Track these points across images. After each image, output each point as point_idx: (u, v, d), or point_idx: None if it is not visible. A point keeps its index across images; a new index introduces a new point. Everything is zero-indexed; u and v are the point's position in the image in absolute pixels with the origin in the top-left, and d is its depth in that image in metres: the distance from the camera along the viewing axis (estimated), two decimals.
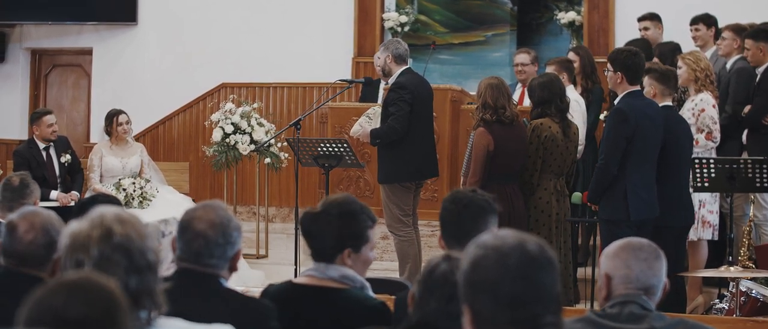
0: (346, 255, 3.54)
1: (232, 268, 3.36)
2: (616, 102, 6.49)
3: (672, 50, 8.56)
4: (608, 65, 6.49)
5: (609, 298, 3.15)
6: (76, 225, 2.52)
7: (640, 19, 9.42)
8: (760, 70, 7.87)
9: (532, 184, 6.87)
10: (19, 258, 3.54)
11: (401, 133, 7.20)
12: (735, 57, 8.16)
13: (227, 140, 9.10)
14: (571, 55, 8.62)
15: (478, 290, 2.13)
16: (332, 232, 3.52)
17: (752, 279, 6.21)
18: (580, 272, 7.96)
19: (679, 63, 7.54)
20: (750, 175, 6.58)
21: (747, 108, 7.84)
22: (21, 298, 3.36)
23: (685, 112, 7.38)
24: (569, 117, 7.05)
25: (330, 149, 7.39)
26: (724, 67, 8.25)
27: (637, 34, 9.39)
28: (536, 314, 2.12)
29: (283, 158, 9.36)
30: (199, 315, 3.17)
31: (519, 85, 9.05)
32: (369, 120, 7.51)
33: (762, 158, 6.70)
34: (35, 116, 9.01)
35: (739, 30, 8.19)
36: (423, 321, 2.96)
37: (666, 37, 9.29)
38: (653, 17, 9.34)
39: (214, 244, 3.27)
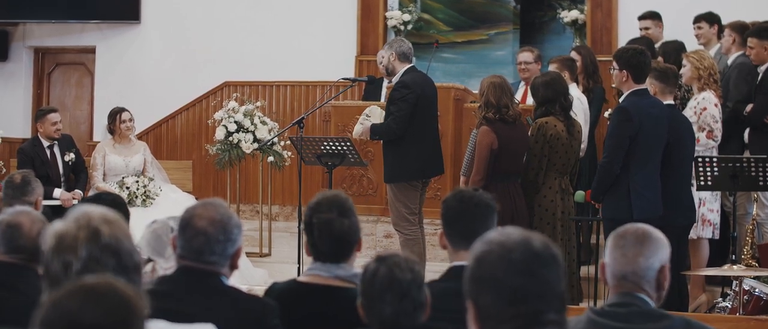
0: (355, 250, 3.57)
1: (233, 266, 3.36)
2: (620, 101, 6.48)
3: (676, 49, 8.55)
4: (614, 63, 6.47)
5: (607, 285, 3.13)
6: (60, 225, 2.47)
7: (640, 18, 9.42)
8: (761, 68, 7.87)
9: (536, 183, 6.87)
10: (29, 253, 3.56)
11: (398, 133, 7.20)
12: (735, 54, 8.16)
13: (230, 138, 9.10)
14: (573, 55, 8.62)
15: (481, 285, 2.14)
16: (351, 231, 3.53)
17: (755, 278, 6.21)
18: (583, 270, 7.97)
19: (684, 61, 7.54)
20: (753, 174, 6.57)
21: (749, 107, 7.84)
22: (29, 289, 3.38)
23: (688, 110, 7.39)
24: (572, 115, 7.05)
25: (333, 147, 7.39)
26: (726, 64, 8.24)
27: (639, 33, 9.38)
28: (539, 310, 2.12)
29: (286, 156, 9.36)
30: (201, 313, 3.18)
31: (522, 83, 9.05)
32: (368, 117, 7.53)
33: (765, 156, 6.70)
34: (40, 114, 9.02)
35: (739, 27, 8.19)
36: (385, 328, 2.98)
37: (669, 36, 9.28)
38: (653, 16, 9.34)
39: (214, 241, 3.27)
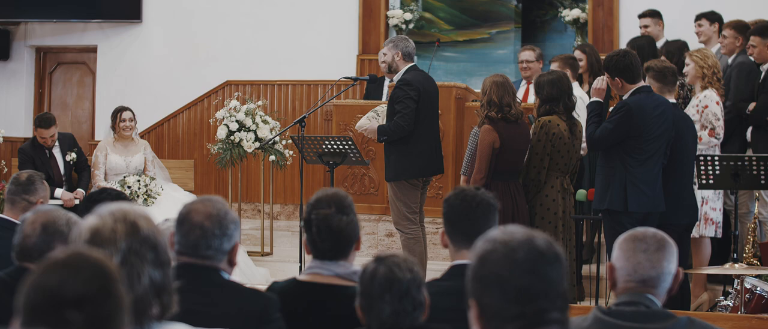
0: (354, 249, 3.57)
1: (231, 262, 3.36)
2: (624, 97, 6.49)
3: (679, 48, 8.55)
4: (606, 75, 6.53)
5: (615, 287, 3.14)
6: (95, 220, 2.46)
7: (640, 16, 9.41)
8: (764, 67, 7.86)
9: (539, 181, 6.87)
10: (20, 252, 3.62)
11: (407, 130, 7.19)
12: (736, 54, 8.16)
13: (232, 137, 9.10)
14: (578, 54, 8.63)
15: (485, 284, 2.13)
16: (349, 227, 3.53)
17: (757, 276, 6.20)
18: (585, 269, 7.97)
19: (687, 60, 7.54)
20: (755, 172, 6.57)
21: (751, 105, 7.83)
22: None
23: (690, 108, 7.39)
24: (575, 115, 7.05)
25: (334, 146, 7.39)
26: (726, 64, 8.24)
27: (640, 32, 9.38)
28: (542, 309, 2.11)
29: (287, 155, 9.36)
30: (202, 309, 3.18)
31: (523, 82, 9.06)
32: (376, 117, 7.50)
33: (767, 155, 6.70)
34: (35, 123, 8.99)
35: (741, 28, 8.18)
36: (384, 328, 2.98)
37: (671, 35, 9.28)
38: (653, 14, 9.33)
39: (210, 235, 3.27)
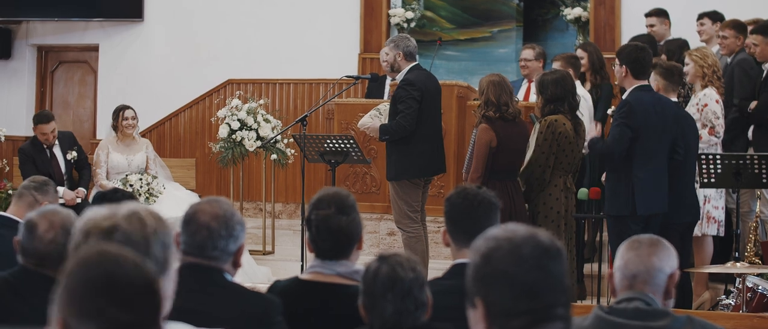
0: (356, 248, 3.57)
1: (236, 264, 3.36)
2: (624, 96, 6.50)
3: (680, 47, 8.54)
4: (616, 60, 6.53)
5: (615, 293, 3.15)
6: (92, 212, 2.46)
7: (647, 15, 9.40)
8: (766, 66, 7.86)
9: (543, 180, 6.86)
10: (38, 257, 3.50)
11: (410, 130, 7.19)
12: (736, 53, 8.17)
13: (233, 136, 9.10)
14: (580, 52, 8.62)
15: (492, 281, 2.12)
16: (350, 227, 3.53)
17: (759, 275, 6.20)
18: (587, 268, 7.98)
19: (687, 59, 7.54)
20: (756, 171, 6.57)
21: (753, 104, 7.83)
22: (36, 299, 3.36)
23: (690, 107, 7.39)
24: (578, 114, 7.05)
25: (336, 145, 7.39)
26: (726, 63, 8.23)
27: (643, 30, 9.37)
28: (549, 304, 2.11)
29: (289, 154, 9.36)
30: (205, 309, 3.19)
31: (524, 80, 9.05)
32: (379, 115, 7.49)
33: None
34: (34, 121, 9.00)
35: (740, 27, 8.17)
36: (387, 327, 2.98)
37: (673, 34, 9.27)
38: (660, 13, 9.32)
39: (217, 236, 3.28)
